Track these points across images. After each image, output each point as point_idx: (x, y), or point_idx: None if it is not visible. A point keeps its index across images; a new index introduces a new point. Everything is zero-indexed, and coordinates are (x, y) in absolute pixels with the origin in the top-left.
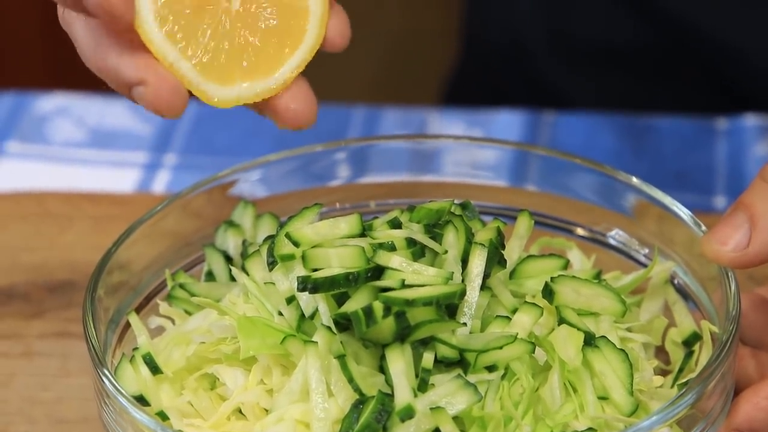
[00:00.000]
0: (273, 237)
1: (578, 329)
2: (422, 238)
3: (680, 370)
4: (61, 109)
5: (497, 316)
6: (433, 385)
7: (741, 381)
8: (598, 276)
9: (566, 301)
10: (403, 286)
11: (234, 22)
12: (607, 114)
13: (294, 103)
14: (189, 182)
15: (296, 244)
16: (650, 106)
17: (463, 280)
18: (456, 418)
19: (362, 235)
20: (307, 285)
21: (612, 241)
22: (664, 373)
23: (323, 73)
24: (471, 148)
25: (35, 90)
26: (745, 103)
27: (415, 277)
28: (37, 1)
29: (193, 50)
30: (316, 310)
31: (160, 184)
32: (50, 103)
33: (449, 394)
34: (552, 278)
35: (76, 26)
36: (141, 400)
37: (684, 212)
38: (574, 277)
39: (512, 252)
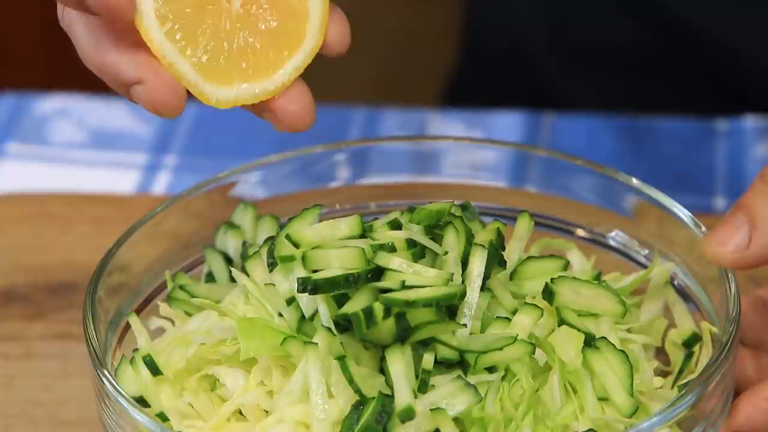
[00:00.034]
0: (273, 238)
1: (578, 330)
2: (422, 239)
3: (680, 372)
4: (62, 111)
5: (497, 317)
6: (433, 386)
7: (741, 382)
8: (598, 277)
9: (566, 302)
10: (404, 287)
11: (234, 23)
12: (607, 115)
13: (292, 106)
14: (189, 183)
15: (296, 245)
16: (650, 107)
17: (463, 282)
18: (456, 419)
19: (362, 236)
20: (308, 286)
21: (612, 242)
22: (664, 374)
23: (323, 73)
24: (471, 149)
25: (35, 91)
26: (745, 104)
27: (415, 279)
28: (37, 2)
29: (193, 50)
30: (317, 311)
31: (161, 185)
32: (50, 104)
33: (449, 395)
34: (552, 279)
35: (76, 26)
36: (141, 402)
37: (684, 213)
38: (574, 278)
39: (512, 253)
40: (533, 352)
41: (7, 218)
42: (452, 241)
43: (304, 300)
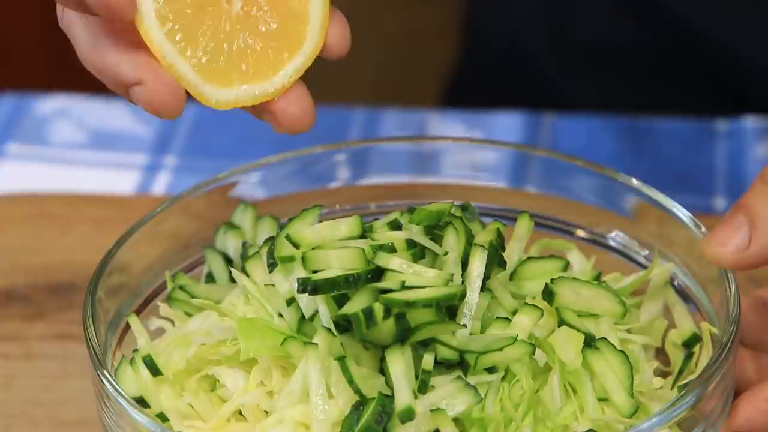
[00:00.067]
0: (273, 239)
1: (578, 331)
2: (422, 239)
3: (680, 372)
4: (61, 111)
5: (497, 317)
6: (433, 386)
7: (741, 383)
8: (598, 277)
9: (566, 302)
10: (403, 287)
11: (234, 25)
12: (607, 115)
13: (292, 108)
14: (189, 184)
15: (296, 245)
16: (650, 107)
17: (463, 282)
18: (456, 420)
19: (362, 236)
20: (307, 286)
21: (612, 243)
22: (664, 374)
23: (323, 74)
24: (471, 149)
25: (35, 91)
26: (745, 104)
27: (415, 279)
28: (37, 2)
29: (192, 51)
30: (316, 311)
31: (160, 185)
32: (50, 104)
33: (449, 395)
34: (552, 280)
35: (75, 27)
36: (141, 402)
37: (684, 214)
38: (574, 278)
39: (512, 253)
40: (533, 353)
41: (7, 219)
42: (452, 241)
43: (304, 300)
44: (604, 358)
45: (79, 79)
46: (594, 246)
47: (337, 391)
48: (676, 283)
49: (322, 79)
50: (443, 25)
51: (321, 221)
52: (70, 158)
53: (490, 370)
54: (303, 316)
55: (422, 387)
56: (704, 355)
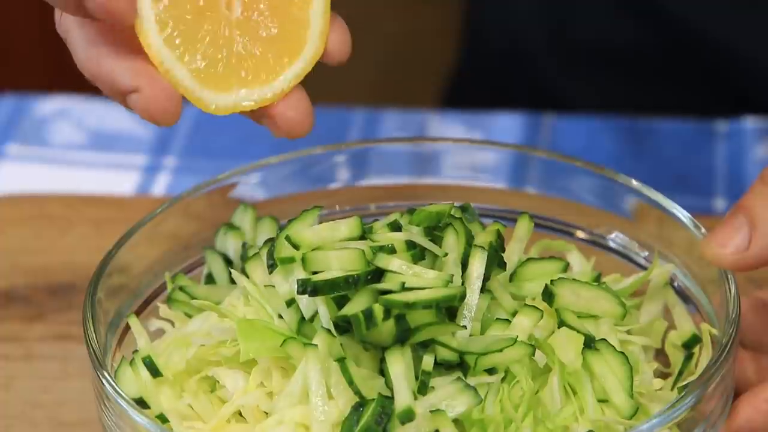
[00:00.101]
0: (273, 240)
1: (578, 332)
2: (422, 240)
3: (680, 373)
4: (61, 112)
5: (497, 318)
6: (433, 387)
7: (740, 384)
8: (597, 279)
9: (566, 303)
10: (403, 288)
11: (234, 30)
12: (607, 116)
13: (291, 112)
14: (189, 185)
15: (296, 246)
16: (650, 108)
17: (463, 283)
18: (456, 421)
19: (362, 237)
20: (307, 288)
21: (612, 244)
22: (664, 375)
23: (323, 74)
24: (471, 150)
25: (35, 92)
26: (745, 104)
27: (415, 280)
28: (37, 4)
29: (191, 56)
30: (316, 312)
31: (160, 186)
32: (50, 105)
33: (449, 396)
34: (552, 281)
35: (73, 33)
36: (141, 403)
37: (684, 215)
38: (574, 279)
39: (512, 255)
40: (533, 354)
41: (7, 219)
42: (452, 242)
43: (304, 301)
44: (603, 359)
45: (79, 80)
46: (594, 247)
47: (337, 392)
48: (676, 284)
49: (322, 79)
50: (443, 25)
51: (321, 222)
52: (70, 159)
53: (490, 371)
54: (303, 317)
55: (422, 388)
56: (704, 356)
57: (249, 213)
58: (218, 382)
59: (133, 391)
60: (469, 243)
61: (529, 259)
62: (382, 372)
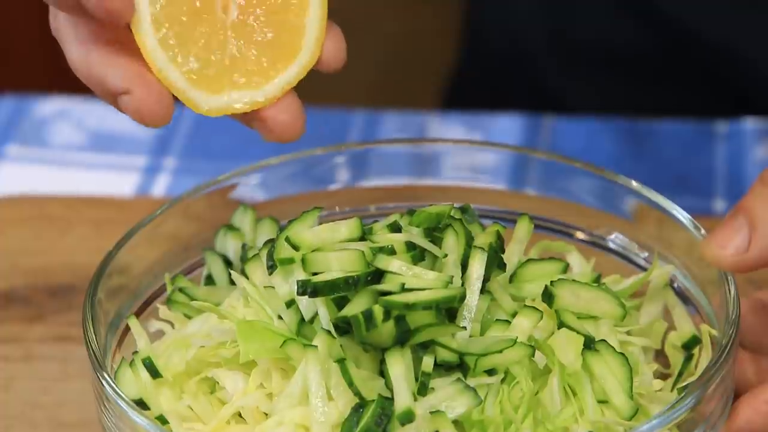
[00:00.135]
0: (273, 241)
1: (578, 333)
2: (422, 241)
3: (680, 374)
4: (61, 113)
5: (497, 319)
6: (433, 388)
7: (740, 385)
8: (597, 279)
9: (566, 304)
10: (403, 289)
11: (229, 33)
12: (606, 117)
13: (282, 115)
14: (189, 186)
15: (296, 247)
16: (650, 109)
17: (462, 284)
18: (456, 422)
19: (362, 238)
20: (307, 289)
21: (611, 245)
22: (663, 376)
23: (323, 76)
24: (471, 151)
25: (35, 93)
26: (745, 104)
27: (414, 281)
28: (37, 4)
29: (184, 57)
30: (316, 313)
31: (160, 187)
32: (50, 106)
33: (449, 397)
34: (552, 282)
35: (66, 34)
36: (141, 404)
37: (683, 216)
38: (573, 280)
39: (512, 256)
40: (533, 355)
41: (7, 220)
42: (452, 243)
43: (304, 302)
44: (603, 360)
45: (79, 81)
46: (594, 248)
47: (337, 393)
48: (675, 285)
49: (322, 78)
50: (443, 25)
51: (321, 223)
52: (69, 160)
53: (490, 372)
54: (303, 319)
55: (422, 389)
56: (704, 357)
57: (249, 214)
58: (218, 383)
59: (133, 392)
60: (469, 244)
61: (528, 260)
62: (382, 373)
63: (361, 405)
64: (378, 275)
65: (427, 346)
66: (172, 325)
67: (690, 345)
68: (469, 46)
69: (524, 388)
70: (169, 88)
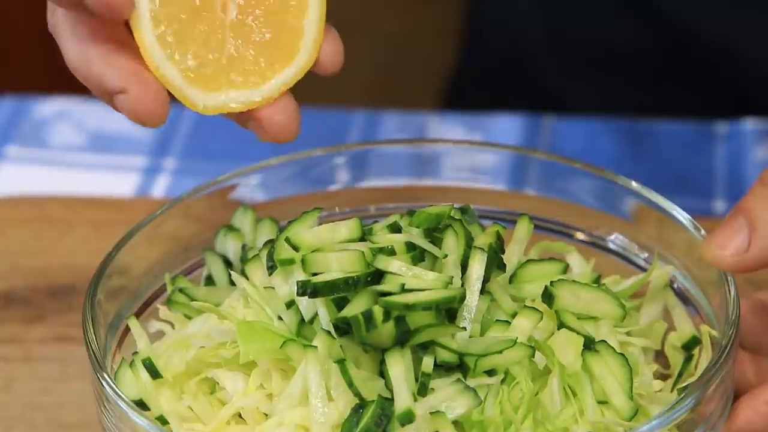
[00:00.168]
0: (273, 241)
1: (578, 333)
2: (422, 242)
3: (680, 375)
4: (61, 114)
5: (497, 320)
6: (432, 389)
7: (740, 386)
8: (597, 280)
9: (566, 305)
10: (403, 290)
11: (227, 32)
12: (606, 118)
13: (278, 116)
14: (188, 187)
15: (296, 248)
16: (650, 110)
17: (462, 285)
18: (456, 423)
19: (362, 239)
20: (307, 289)
21: (611, 246)
22: (663, 377)
23: (322, 76)
24: (471, 152)
25: (35, 94)
26: (745, 105)
27: (414, 282)
28: (37, 5)
29: (182, 55)
30: (316, 314)
31: (160, 188)
32: (50, 107)
33: (449, 398)
34: (551, 282)
35: (64, 32)
36: (141, 405)
37: (683, 216)
38: (573, 281)
39: (512, 256)
40: (533, 356)
41: (7, 221)
42: (452, 244)
43: (304, 303)
44: (603, 361)
45: (79, 82)
46: (593, 249)
47: (337, 393)
48: (675, 285)
49: (322, 78)
50: (443, 25)
51: (321, 224)
52: (69, 161)
53: (490, 372)
54: (302, 319)
55: (422, 390)
56: (704, 357)
57: (249, 215)
58: (218, 383)
59: (133, 392)
60: (469, 245)
61: (528, 261)
62: (382, 374)
63: (361, 405)
64: (378, 276)
65: (427, 347)
66: (172, 325)
67: (690, 345)
68: (469, 46)
69: (524, 389)
70: (166, 85)
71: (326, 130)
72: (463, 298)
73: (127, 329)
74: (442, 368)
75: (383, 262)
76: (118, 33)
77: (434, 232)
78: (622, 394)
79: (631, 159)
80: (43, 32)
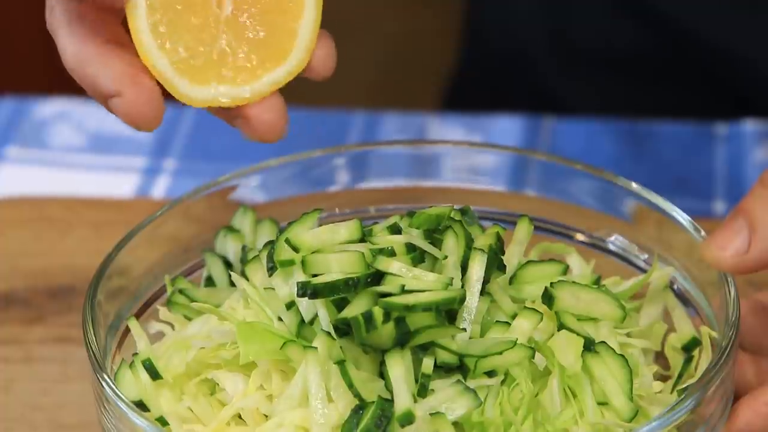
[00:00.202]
0: (273, 242)
1: (578, 335)
2: (422, 243)
3: (680, 376)
4: (61, 114)
5: (497, 321)
6: (432, 390)
7: (740, 387)
8: (597, 281)
9: (566, 306)
10: (403, 291)
11: (221, 27)
12: (606, 119)
13: (266, 114)
14: (188, 187)
15: (296, 249)
16: (650, 111)
17: (462, 286)
18: (456, 424)
19: (362, 240)
20: (307, 290)
21: (611, 247)
22: (663, 378)
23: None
24: (470, 153)
25: (35, 95)
26: (745, 105)
27: (414, 283)
28: (37, 6)
29: (173, 45)
30: (316, 315)
31: (160, 189)
32: (50, 108)
33: (449, 399)
34: (551, 284)
35: (61, 32)
36: (141, 406)
37: (683, 217)
38: (573, 282)
39: (512, 257)
40: (533, 357)
41: (7, 222)
42: (452, 245)
43: (304, 304)
44: (603, 362)
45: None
46: (593, 250)
47: (337, 394)
48: (675, 286)
49: (322, 81)
50: (443, 26)
51: (321, 225)
52: (69, 161)
53: (490, 373)
54: (303, 320)
55: (422, 391)
56: (704, 358)
57: (249, 216)
58: (218, 384)
59: (133, 393)
60: (469, 246)
61: (528, 262)
62: (382, 375)
63: (361, 406)
64: (378, 277)
65: (427, 348)
66: (172, 326)
67: (690, 347)
68: (469, 46)
69: (524, 390)
70: (155, 73)
71: (326, 131)
72: (463, 299)
73: (127, 330)
74: (442, 369)
75: (383, 263)
76: (116, 33)
77: (434, 233)
78: (622, 396)
79: (631, 160)
80: (43, 32)
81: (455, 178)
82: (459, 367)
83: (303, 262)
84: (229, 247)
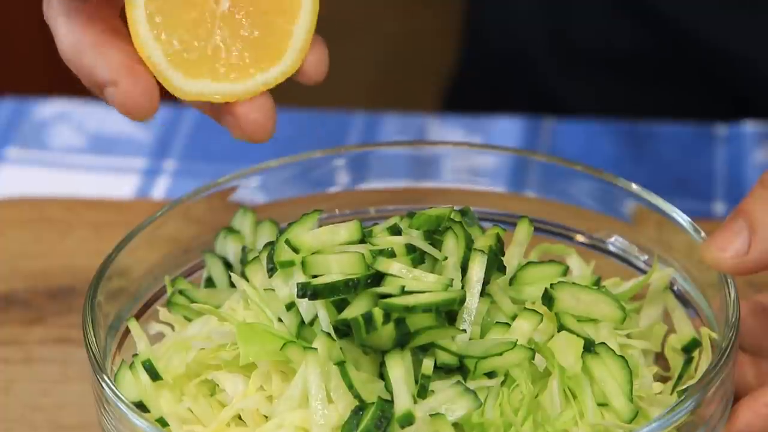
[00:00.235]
0: (273, 243)
1: (578, 336)
2: (422, 244)
3: (680, 377)
4: (61, 115)
5: (497, 322)
6: (432, 391)
7: (740, 388)
8: (597, 282)
9: (566, 307)
10: (403, 292)
11: (217, 23)
12: (606, 120)
13: (255, 114)
14: (188, 188)
15: (296, 250)
16: (650, 112)
17: (462, 287)
18: (456, 425)
19: (362, 241)
20: (307, 291)
21: (611, 248)
22: (663, 379)
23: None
24: (470, 154)
25: (35, 96)
26: (745, 106)
27: (414, 284)
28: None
29: (168, 37)
30: (316, 316)
31: (160, 190)
32: (50, 108)
33: (449, 400)
34: (551, 285)
35: (58, 23)
36: (141, 407)
37: (683, 219)
38: (573, 283)
39: (512, 258)
40: (533, 358)
41: (7, 223)
42: (452, 246)
43: (304, 305)
44: (603, 363)
45: (79, 83)
46: (593, 251)
47: (337, 395)
48: (675, 288)
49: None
50: (443, 26)
51: (320, 226)
52: (69, 162)
53: (490, 374)
54: (303, 321)
55: (422, 392)
56: (704, 360)
57: (249, 216)
58: (218, 385)
59: (133, 394)
60: (469, 247)
61: (528, 263)
62: (382, 376)
63: (360, 407)
64: (378, 278)
65: (426, 349)
66: (172, 327)
67: (690, 348)
68: (469, 46)
69: (524, 391)
70: (149, 65)
71: (326, 132)
72: (463, 300)
73: (127, 331)
74: (442, 370)
75: (383, 264)
76: (114, 25)
77: (434, 234)
78: (622, 397)
79: (631, 161)
80: (43, 33)
81: (455, 179)
82: (459, 368)
83: (303, 263)
84: (229, 248)
